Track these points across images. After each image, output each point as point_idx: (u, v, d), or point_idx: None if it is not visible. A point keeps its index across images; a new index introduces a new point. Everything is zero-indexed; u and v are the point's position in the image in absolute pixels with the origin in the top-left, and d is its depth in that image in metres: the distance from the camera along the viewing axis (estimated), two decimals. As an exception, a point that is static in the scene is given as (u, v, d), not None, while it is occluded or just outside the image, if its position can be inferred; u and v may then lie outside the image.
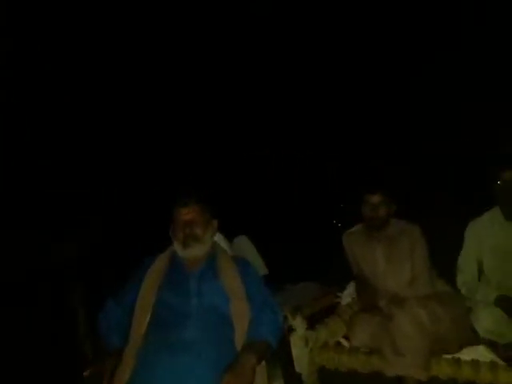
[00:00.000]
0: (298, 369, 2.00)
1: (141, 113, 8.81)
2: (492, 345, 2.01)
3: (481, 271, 2.31)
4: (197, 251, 1.82)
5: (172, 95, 9.11)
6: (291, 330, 2.07)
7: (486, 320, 2.06)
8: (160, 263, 1.85)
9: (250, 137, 9.70)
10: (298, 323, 2.06)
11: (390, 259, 2.31)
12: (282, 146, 10.04)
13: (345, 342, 2.14)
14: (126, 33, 8.26)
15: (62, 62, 7.63)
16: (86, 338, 3.51)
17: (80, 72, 7.88)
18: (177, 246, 1.85)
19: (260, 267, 3.15)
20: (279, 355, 1.80)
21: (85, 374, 1.67)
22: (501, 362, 1.92)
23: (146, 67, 8.73)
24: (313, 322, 2.27)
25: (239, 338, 1.68)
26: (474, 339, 2.05)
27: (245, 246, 3.15)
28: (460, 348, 2.01)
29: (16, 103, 7.04)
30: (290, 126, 9.72)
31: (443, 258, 2.52)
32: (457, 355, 1.99)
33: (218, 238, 2.25)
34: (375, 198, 2.31)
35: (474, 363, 1.92)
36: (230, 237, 2.67)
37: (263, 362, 1.66)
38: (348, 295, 2.54)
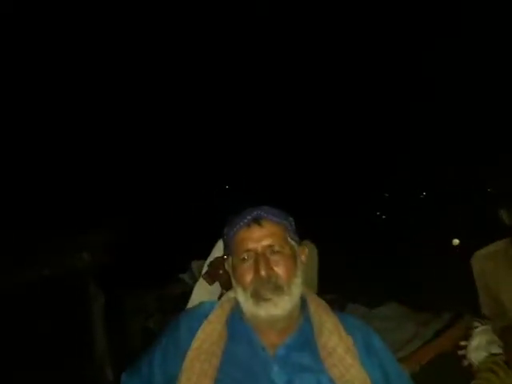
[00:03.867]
0: None
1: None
2: None
3: None
4: (279, 310, 0.99)
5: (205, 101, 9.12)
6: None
7: None
8: (213, 330, 1.03)
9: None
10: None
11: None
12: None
13: None
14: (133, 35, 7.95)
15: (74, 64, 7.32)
16: (105, 355, 2.96)
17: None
18: (243, 299, 1.02)
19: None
20: None
21: None
22: None
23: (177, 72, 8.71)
24: None
25: None
26: None
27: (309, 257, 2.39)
28: None
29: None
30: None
31: None
32: None
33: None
34: None
35: None
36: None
37: None
38: (480, 348, 1.69)
